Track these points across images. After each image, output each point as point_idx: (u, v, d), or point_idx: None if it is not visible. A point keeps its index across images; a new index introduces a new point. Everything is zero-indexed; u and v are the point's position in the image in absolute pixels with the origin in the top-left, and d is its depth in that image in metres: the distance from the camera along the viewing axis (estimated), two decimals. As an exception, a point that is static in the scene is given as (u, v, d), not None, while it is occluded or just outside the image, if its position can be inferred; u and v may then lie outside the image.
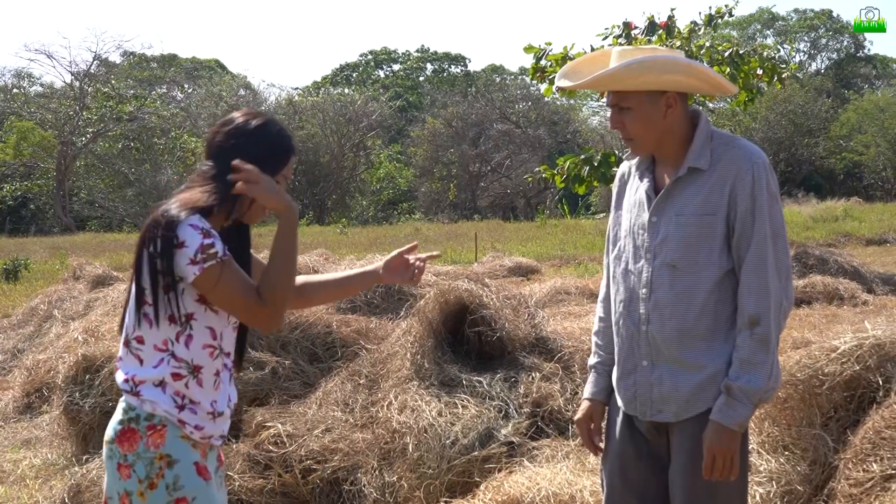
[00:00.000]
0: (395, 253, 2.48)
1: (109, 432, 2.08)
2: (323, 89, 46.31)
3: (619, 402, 2.34)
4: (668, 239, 2.20)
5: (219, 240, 2.02)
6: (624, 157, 2.47)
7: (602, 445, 2.42)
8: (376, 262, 2.51)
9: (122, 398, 2.11)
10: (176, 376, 2.05)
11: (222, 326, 2.12)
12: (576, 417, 2.48)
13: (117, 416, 2.09)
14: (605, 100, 2.38)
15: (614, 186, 2.47)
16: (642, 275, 2.24)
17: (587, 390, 2.46)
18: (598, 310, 2.49)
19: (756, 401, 2.13)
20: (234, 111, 2.22)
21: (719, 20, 11.64)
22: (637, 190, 2.33)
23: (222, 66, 50.99)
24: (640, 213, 2.28)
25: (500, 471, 3.73)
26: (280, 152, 2.15)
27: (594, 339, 2.49)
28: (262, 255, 2.35)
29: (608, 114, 2.32)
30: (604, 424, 2.45)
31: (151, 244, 2.00)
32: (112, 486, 2.06)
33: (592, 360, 2.48)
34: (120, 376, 2.10)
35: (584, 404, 2.45)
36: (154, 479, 2.01)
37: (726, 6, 11.54)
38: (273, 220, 2.16)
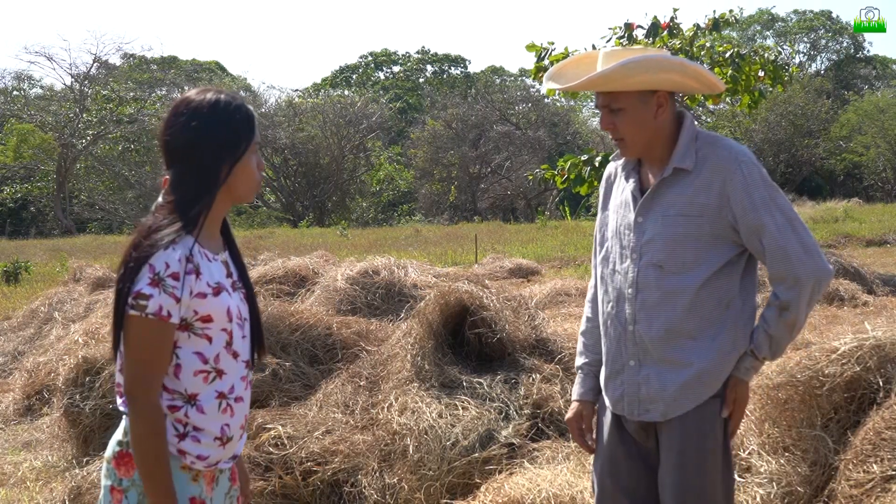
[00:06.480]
0: None
1: (109, 450, 1.95)
2: (323, 91, 46.39)
3: (607, 403, 2.35)
4: (655, 239, 2.21)
5: (167, 294, 1.81)
6: (611, 157, 2.48)
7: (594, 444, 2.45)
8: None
9: (125, 416, 1.95)
10: (172, 408, 1.89)
11: (216, 349, 1.92)
12: (566, 417, 2.51)
13: (118, 434, 1.94)
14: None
15: (601, 188, 2.48)
16: (628, 275, 2.25)
17: (575, 391, 2.49)
18: (586, 310, 2.52)
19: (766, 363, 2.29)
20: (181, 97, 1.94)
21: (723, 24, 11.62)
22: (623, 190, 2.34)
23: (222, 68, 51.01)
24: (627, 213, 2.29)
25: (500, 472, 3.73)
26: (237, 138, 1.90)
27: (581, 339, 2.51)
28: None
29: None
30: (594, 423, 2.46)
31: (122, 269, 1.85)
32: None
33: (579, 360, 2.50)
34: (119, 399, 1.94)
35: (573, 405, 2.47)
36: None
37: (730, 11, 11.52)
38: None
